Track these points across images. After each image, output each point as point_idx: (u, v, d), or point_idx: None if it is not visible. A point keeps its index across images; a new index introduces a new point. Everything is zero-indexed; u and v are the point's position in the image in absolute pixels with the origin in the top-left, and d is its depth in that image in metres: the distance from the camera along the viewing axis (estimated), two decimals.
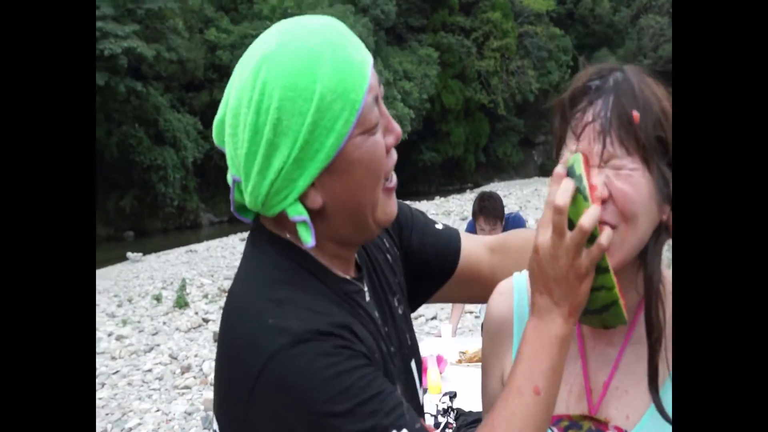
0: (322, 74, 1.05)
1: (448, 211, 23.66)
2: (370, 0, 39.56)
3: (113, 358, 9.01)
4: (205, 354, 8.62)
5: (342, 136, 1.07)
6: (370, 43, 35.64)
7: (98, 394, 7.60)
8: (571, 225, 1.05)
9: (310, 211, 1.11)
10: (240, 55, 1.16)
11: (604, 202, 1.05)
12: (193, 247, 21.77)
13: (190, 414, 6.78)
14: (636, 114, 1.07)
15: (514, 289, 1.30)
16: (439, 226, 1.46)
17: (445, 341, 4.97)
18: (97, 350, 9.40)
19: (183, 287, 12.64)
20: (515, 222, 5.24)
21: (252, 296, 1.12)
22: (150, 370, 8.34)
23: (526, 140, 50.19)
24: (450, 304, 6.80)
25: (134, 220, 29.70)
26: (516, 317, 1.27)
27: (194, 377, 7.84)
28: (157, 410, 7.01)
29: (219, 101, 1.16)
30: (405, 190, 37.57)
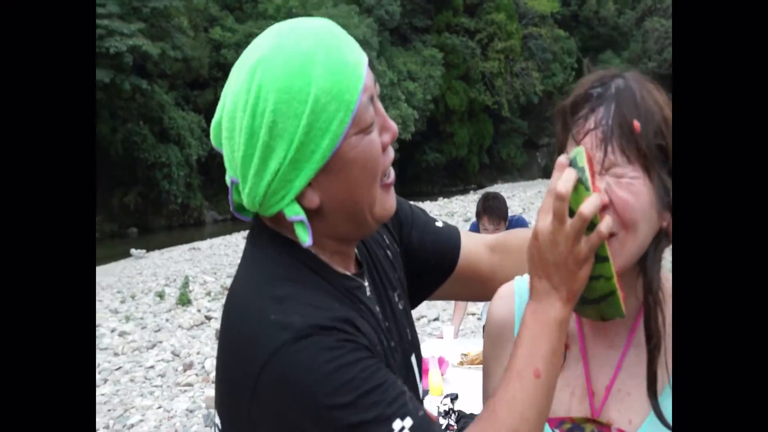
0: (316, 76, 1.06)
1: (451, 212, 23.64)
2: (374, 0, 39.48)
3: (116, 354, 9.02)
4: (207, 351, 8.63)
5: (337, 136, 1.08)
6: (374, 44, 35.61)
7: (101, 390, 7.62)
8: (572, 213, 1.05)
9: (307, 211, 1.12)
10: None
11: (604, 209, 1.06)
12: (196, 244, 21.77)
13: (191, 411, 6.79)
14: (637, 123, 1.07)
15: (515, 293, 1.30)
16: (439, 224, 1.47)
17: (447, 343, 4.96)
18: (100, 346, 9.42)
19: (186, 284, 12.65)
20: (518, 224, 5.23)
21: (253, 293, 1.12)
22: (152, 367, 8.35)
23: (530, 142, 50.11)
24: (452, 306, 6.81)
25: (138, 217, 29.70)
26: (517, 321, 1.27)
27: (196, 374, 7.85)
28: (159, 407, 7.02)
29: None
30: (408, 191, 37.53)
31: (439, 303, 9.54)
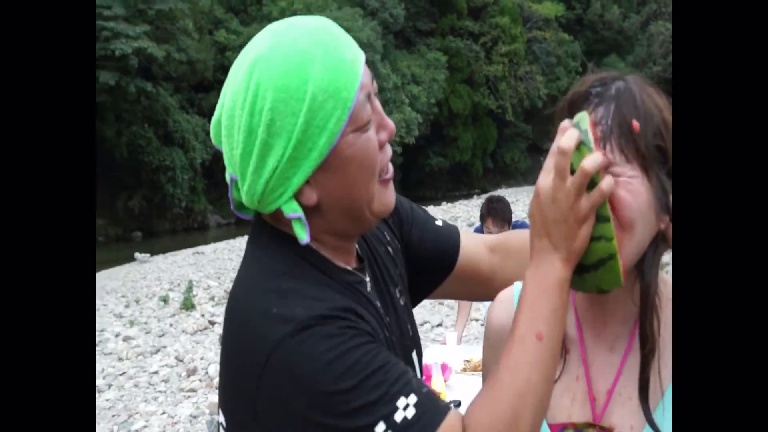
0: (313, 74, 1.07)
1: (455, 216, 23.64)
2: (378, 3, 39.54)
3: (120, 359, 9.03)
4: (210, 357, 8.63)
5: (334, 134, 1.09)
6: (378, 47, 35.65)
7: (105, 395, 7.63)
8: (573, 173, 1.05)
9: (305, 208, 1.13)
10: None
11: (605, 169, 1.06)
12: (200, 248, 21.80)
13: (195, 417, 6.79)
14: (636, 123, 1.07)
15: (515, 298, 1.30)
16: (439, 223, 1.48)
17: (450, 349, 4.96)
18: (105, 351, 9.43)
19: (190, 289, 12.65)
20: (522, 228, 5.21)
21: (255, 289, 1.13)
22: (156, 372, 8.35)
23: (534, 146, 50.06)
24: (455, 312, 6.81)
25: (142, 221, 29.77)
26: None
27: (200, 380, 7.85)
28: (163, 413, 7.02)
29: None
30: (412, 195, 37.52)
31: (443, 309, 9.55)
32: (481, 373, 4.33)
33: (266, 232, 1.19)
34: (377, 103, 1.16)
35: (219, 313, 10.93)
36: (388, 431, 1.01)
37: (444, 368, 4.30)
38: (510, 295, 1.31)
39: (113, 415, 7.05)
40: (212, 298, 12.44)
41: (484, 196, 5.66)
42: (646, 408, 1.11)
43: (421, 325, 8.77)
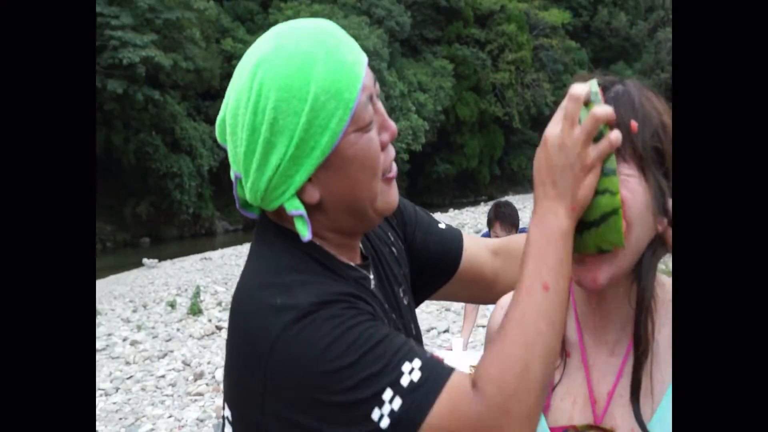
0: (315, 75, 1.09)
1: (462, 223, 23.59)
2: (384, 12, 39.52)
3: (127, 363, 9.05)
4: (217, 361, 8.63)
5: (336, 134, 1.10)
6: (384, 55, 35.64)
7: (112, 399, 7.65)
8: None
9: (308, 206, 1.15)
10: None
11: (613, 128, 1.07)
12: (207, 254, 21.81)
13: (202, 421, 6.79)
14: (634, 123, 1.08)
15: None
16: (442, 226, 1.48)
17: (456, 355, 4.94)
18: (112, 355, 9.46)
19: (197, 294, 12.67)
20: None
21: (260, 282, 1.15)
22: (163, 376, 8.36)
23: None
24: (462, 318, 6.81)
25: (150, 227, 29.81)
26: None
27: (207, 384, 7.86)
28: (170, 416, 7.02)
29: None
30: (419, 202, 36.91)
31: (449, 315, 9.54)
32: None
33: (271, 229, 1.21)
34: (379, 104, 1.18)
35: (226, 319, 10.80)
36: (395, 396, 1.03)
37: None
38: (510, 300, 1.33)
39: (120, 418, 7.07)
40: (219, 304, 12.45)
41: (491, 203, 5.65)
42: (637, 408, 1.12)
43: (428, 331, 8.77)
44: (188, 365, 8.71)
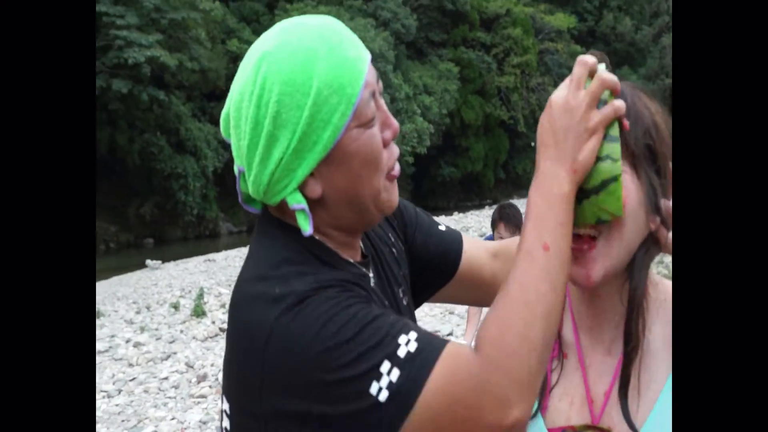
0: (318, 70, 1.10)
1: (466, 226, 23.63)
2: (390, 14, 39.65)
3: (130, 365, 9.05)
4: (221, 364, 8.60)
5: (338, 128, 1.11)
6: (390, 57, 35.72)
7: (115, 401, 7.64)
8: None
9: (310, 200, 1.15)
10: None
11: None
12: (211, 256, 21.86)
13: (205, 423, 6.79)
14: (626, 122, 1.10)
15: None
16: (442, 228, 1.49)
17: None
18: (115, 356, 9.46)
19: (201, 296, 12.68)
20: None
21: (260, 274, 1.15)
22: (166, 378, 8.36)
23: None
24: (465, 320, 6.79)
25: (154, 228, 29.90)
26: None
27: (210, 386, 7.85)
28: (173, 418, 7.02)
29: None
30: (423, 205, 37.35)
31: (453, 318, 9.53)
32: None
33: (272, 224, 1.22)
34: (382, 102, 1.19)
35: None
36: (393, 368, 1.03)
37: None
38: None
39: (123, 421, 7.06)
40: (223, 306, 12.46)
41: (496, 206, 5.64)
42: (624, 404, 1.13)
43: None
44: (191, 367, 8.71)
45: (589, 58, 1.10)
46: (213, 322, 11.10)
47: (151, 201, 29.79)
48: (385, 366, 1.03)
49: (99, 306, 13.57)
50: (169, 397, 7.70)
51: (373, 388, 1.02)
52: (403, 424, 1.03)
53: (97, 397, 7.76)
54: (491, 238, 5.21)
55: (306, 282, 1.09)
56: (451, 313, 9.88)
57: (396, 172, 1.22)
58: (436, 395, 1.02)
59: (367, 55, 1.17)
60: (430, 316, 9.75)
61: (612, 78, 1.08)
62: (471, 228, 23.02)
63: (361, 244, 1.29)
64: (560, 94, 1.10)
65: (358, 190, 1.16)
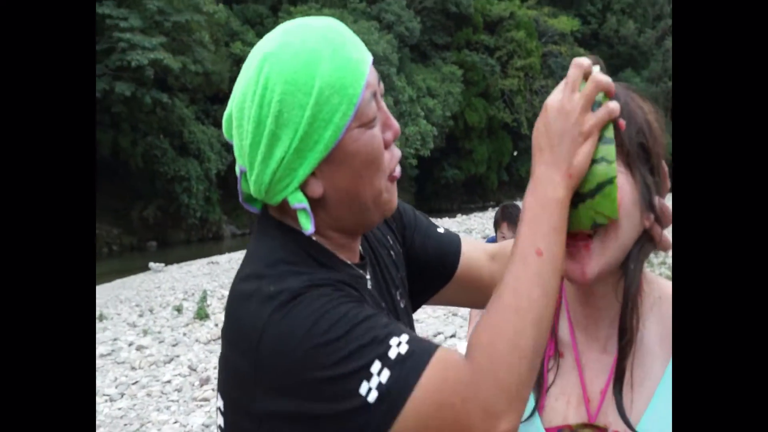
0: (321, 71, 1.11)
1: (469, 228, 23.63)
2: (394, 17, 39.73)
3: (133, 368, 9.05)
4: None
5: (340, 128, 1.12)
6: (393, 60, 35.75)
7: (117, 404, 7.64)
8: None
9: (311, 200, 1.16)
10: None
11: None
12: (214, 258, 21.89)
13: (207, 426, 6.79)
14: (622, 122, 1.10)
15: None
16: (440, 230, 1.50)
17: None
18: (118, 360, 9.46)
19: (204, 299, 12.68)
20: None
21: (256, 273, 1.16)
22: (169, 382, 8.36)
23: None
24: (467, 322, 6.78)
25: (157, 231, 29.94)
26: None
27: (213, 389, 7.85)
28: (176, 422, 7.02)
29: None
30: (427, 207, 37.54)
31: (456, 320, 9.52)
32: None
33: (271, 225, 1.22)
34: (383, 103, 1.20)
35: None
36: (384, 369, 1.03)
37: None
38: None
39: (125, 424, 7.06)
40: None
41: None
42: (619, 400, 1.13)
43: (435, 335, 8.75)
44: (194, 370, 8.71)
45: (584, 60, 1.11)
46: (216, 325, 11.09)
47: (154, 204, 29.84)
48: (376, 366, 1.03)
49: (102, 309, 13.59)
50: (172, 401, 7.69)
51: (363, 388, 1.02)
52: (390, 427, 1.03)
53: (100, 400, 7.76)
54: (494, 239, 5.21)
55: (300, 280, 1.10)
56: (455, 314, 9.87)
57: (397, 174, 1.22)
58: (425, 400, 1.02)
59: (369, 57, 1.18)
60: (434, 317, 9.74)
61: (606, 80, 1.09)
62: (474, 230, 23.02)
63: (360, 247, 1.29)
64: (555, 98, 1.11)
65: (360, 190, 1.16)
